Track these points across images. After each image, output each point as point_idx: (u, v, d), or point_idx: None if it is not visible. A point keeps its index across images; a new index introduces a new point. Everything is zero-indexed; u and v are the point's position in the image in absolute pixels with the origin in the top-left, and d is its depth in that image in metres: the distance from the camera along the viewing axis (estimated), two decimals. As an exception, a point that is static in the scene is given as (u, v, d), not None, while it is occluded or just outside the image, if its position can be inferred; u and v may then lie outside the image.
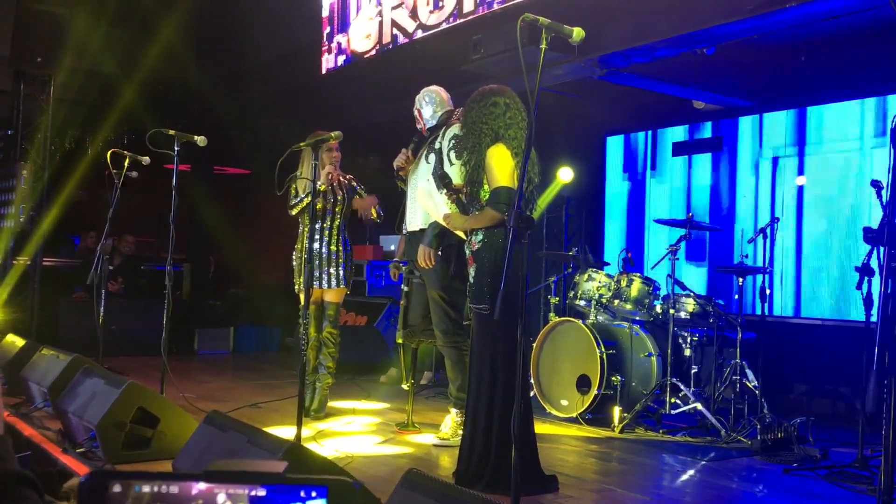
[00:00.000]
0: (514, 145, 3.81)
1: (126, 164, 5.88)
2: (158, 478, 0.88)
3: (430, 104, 4.91)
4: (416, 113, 4.99)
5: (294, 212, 5.34)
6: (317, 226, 5.33)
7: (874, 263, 3.98)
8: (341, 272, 5.35)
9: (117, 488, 0.88)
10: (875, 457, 4.12)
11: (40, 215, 7.77)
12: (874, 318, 3.87)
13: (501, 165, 3.76)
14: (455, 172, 4.55)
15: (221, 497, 0.87)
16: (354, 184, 5.49)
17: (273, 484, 0.87)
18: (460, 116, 4.75)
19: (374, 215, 5.49)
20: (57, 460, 3.90)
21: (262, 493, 0.87)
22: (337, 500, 0.88)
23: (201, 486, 0.88)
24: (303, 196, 5.27)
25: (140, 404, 3.94)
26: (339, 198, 5.38)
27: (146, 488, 0.88)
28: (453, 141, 4.64)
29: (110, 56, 8.53)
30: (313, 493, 0.87)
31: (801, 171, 6.77)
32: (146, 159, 5.84)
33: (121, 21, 8.70)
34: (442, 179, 4.35)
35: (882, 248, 2.38)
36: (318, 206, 5.29)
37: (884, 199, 4.06)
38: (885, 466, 2.33)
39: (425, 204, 4.49)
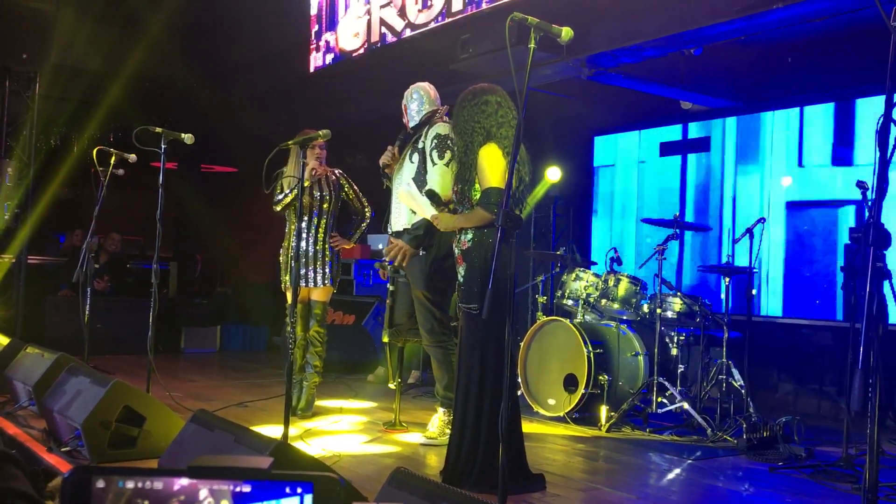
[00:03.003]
0: (505, 144, 3.80)
1: (112, 161, 5.84)
2: (142, 473, 0.88)
3: (416, 101, 4.89)
4: (402, 107, 4.98)
5: (278, 208, 5.31)
6: (303, 224, 5.31)
7: (859, 263, 4.01)
8: (328, 271, 5.32)
9: (101, 484, 0.87)
10: (860, 456, 4.15)
11: (25, 213, 7.72)
12: (858, 318, 3.90)
13: (493, 166, 3.75)
14: (437, 172, 4.54)
15: (204, 493, 0.87)
16: (343, 181, 5.47)
17: (257, 480, 0.87)
18: (444, 115, 4.76)
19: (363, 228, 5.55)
20: (42, 459, 3.87)
21: (246, 489, 0.87)
22: (322, 495, 0.87)
23: (184, 481, 0.88)
24: (287, 192, 5.24)
25: (126, 403, 3.91)
26: (326, 195, 5.36)
27: (129, 484, 0.87)
28: (436, 141, 4.61)
29: (96, 53, 8.50)
30: (298, 490, 0.87)
31: (787, 172, 6.81)
32: (132, 157, 5.81)
33: (107, 18, 8.66)
34: (431, 197, 4.33)
35: (867, 249, 2.39)
36: (305, 202, 5.27)
37: (869, 200, 4.09)
38: (869, 465, 2.34)
39: (409, 204, 4.48)
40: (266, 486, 0.87)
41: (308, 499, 0.87)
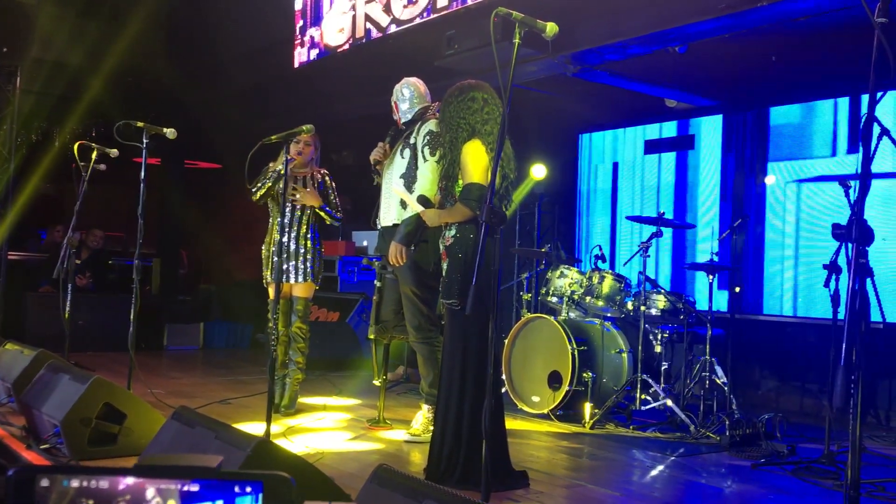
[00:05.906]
0: (489, 141, 3.80)
1: (94, 156, 5.79)
2: (86, 472, 0.85)
3: (407, 98, 4.87)
4: (392, 104, 4.95)
5: (254, 198, 5.25)
6: (286, 219, 5.26)
7: (842, 261, 4.01)
8: (308, 267, 5.28)
9: (45, 483, 0.84)
10: (842, 452, 4.16)
11: (5, 208, 7.64)
12: (841, 315, 3.90)
13: (476, 162, 3.75)
14: (428, 169, 4.53)
15: (150, 492, 0.84)
16: (327, 181, 5.42)
17: (206, 479, 0.84)
18: (436, 112, 4.73)
19: (324, 216, 5.36)
20: (21, 457, 3.82)
21: (194, 488, 0.84)
22: (273, 495, 0.85)
23: (130, 481, 0.85)
24: (265, 180, 5.20)
25: (106, 400, 3.88)
26: (308, 190, 5.31)
27: (74, 483, 0.84)
28: (427, 137, 4.61)
29: (78, 47, 8.41)
30: (248, 489, 0.84)
31: (770, 170, 6.82)
32: (114, 152, 5.76)
33: (89, 12, 8.58)
34: (423, 203, 4.33)
35: (850, 245, 2.38)
36: (287, 192, 5.18)
37: (851, 197, 4.09)
38: (851, 462, 2.33)
39: (402, 196, 4.47)
40: (215, 486, 0.85)
41: (258, 499, 0.85)
